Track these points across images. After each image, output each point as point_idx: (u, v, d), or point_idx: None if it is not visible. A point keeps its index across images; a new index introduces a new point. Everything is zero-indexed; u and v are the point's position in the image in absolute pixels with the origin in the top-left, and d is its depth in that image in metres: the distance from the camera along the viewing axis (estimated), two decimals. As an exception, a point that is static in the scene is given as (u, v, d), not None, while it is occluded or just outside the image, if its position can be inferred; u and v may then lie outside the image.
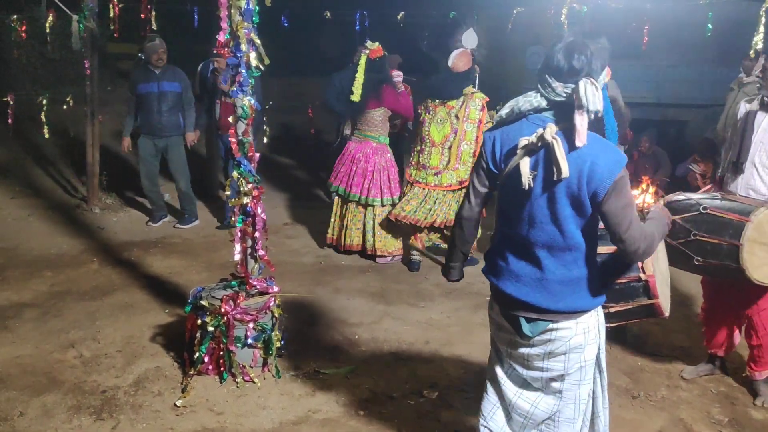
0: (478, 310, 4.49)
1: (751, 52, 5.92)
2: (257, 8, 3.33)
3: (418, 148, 5.22)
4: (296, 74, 10.97)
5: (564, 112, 1.92)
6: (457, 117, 5.05)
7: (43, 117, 6.64)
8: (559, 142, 1.87)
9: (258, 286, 3.56)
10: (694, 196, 3.17)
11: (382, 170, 5.45)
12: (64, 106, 6.70)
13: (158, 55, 6.02)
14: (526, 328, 2.06)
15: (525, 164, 1.91)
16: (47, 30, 6.62)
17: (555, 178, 1.87)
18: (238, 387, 3.36)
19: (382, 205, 5.42)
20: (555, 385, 2.14)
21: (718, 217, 3.00)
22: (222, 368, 3.42)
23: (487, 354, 3.80)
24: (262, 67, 3.39)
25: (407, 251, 5.40)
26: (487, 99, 5.16)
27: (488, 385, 2.30)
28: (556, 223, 1.96)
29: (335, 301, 4.60)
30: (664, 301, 2.41)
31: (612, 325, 2.42)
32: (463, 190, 4.98)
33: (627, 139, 7.43)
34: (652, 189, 3.90)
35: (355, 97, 5.35)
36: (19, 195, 7.12)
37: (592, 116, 1.86)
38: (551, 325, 2.04)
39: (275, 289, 3.59)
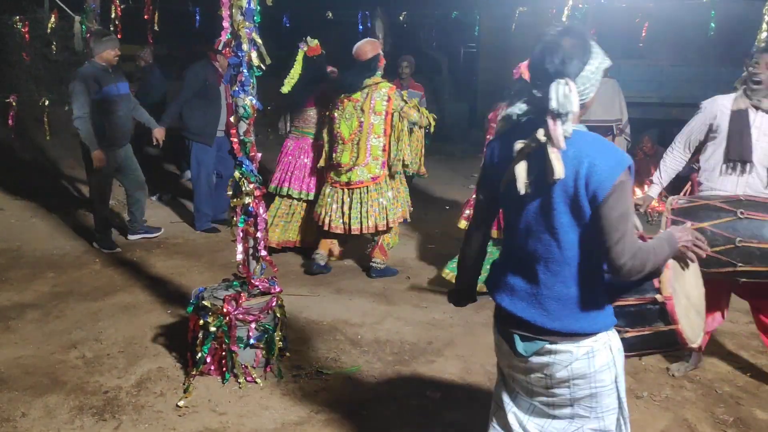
0: (481, 310, 4.47)
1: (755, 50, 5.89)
2: (258, 8, 3.33)
3: (333, 146, 5.01)
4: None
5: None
6: (362, 110, 4.82)
7: (45, 118, 6.63)
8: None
9: (260, 287, 3.56)
10: (710, 202, 3.09)
11: (312, 166, 5.42)
12: (66, 107, 6.69)
13: (116, 52, 5.38)
14: (519, 346, 1.91)
15: (521, 168, 1.78)
16: (49, 31, 6.62)
17: (549, 180, 1.73)
18: (240, 387, 3.35)
19: (300, 199, 5.45)
20: (565, 410, 1.96)
21: (758, 220, 2.91)
22: (224, 369, 3.41)
23: (489, 353, 3.80)
24: (263, 67, 3.39)
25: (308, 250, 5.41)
26: (394, 87, 4.94)
27: (492, 415, 2.13)
28: (552, 233, 1.81)
29: (337, 302, 4.59)
30: (689, 329, 2.10)
31: (631, 355, 2.15)
32: (380, 186, 4.90)
33: None
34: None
35: (285, 89, 5.24)
36: (22, 196, 7.13)
37: (565, 119, 1.71)
38: (548, 346, 1.87)
39: (277, 289, 3.59)
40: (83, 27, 6.27)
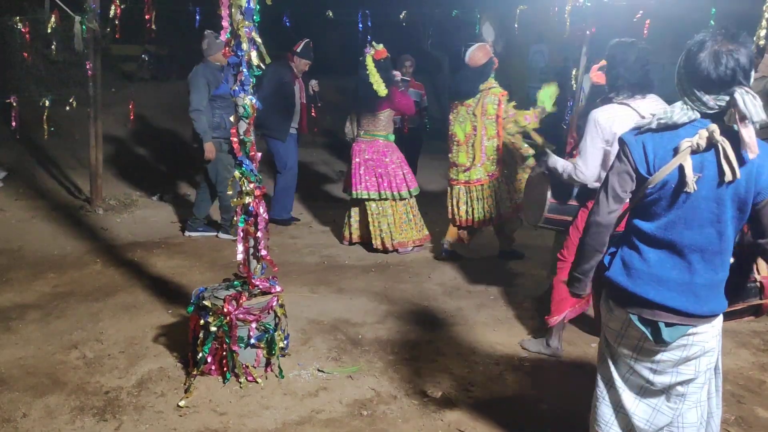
0: (482, 309, 4.47)
1: (753, 47, 5.88)
2: (258, 7, 3.32)
3: (450, 146, 5.36)
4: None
5: (718, 119, 1.91)
6: (474, 114, 5.12)
7: (44, 118, 6.63)
8: (727, 143, 1.86)
9: (261, 286, 3.55)
10: None
11: (396, 166, 5.58)
12: (67, 108, 6.70)
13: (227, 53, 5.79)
14: (665, 333, 2.02)
15: (689, 166, 1.90)
16: (49, 31, 6.61)
17: (726, 179, 1.87)
18: (241, 387, 3.35)
19: (401, 199, 5.58)
20: (680, 389, 2.13)
21: None
22: (225, 368, 3.41)
23: (491, 353, 3.80)
24: (263, 66, 3.39)
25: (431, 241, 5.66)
26: (505, 93, 5.17)
27: (604, 391, 2.25)
28: (717, 226, 1.95)
29: (338, 301, 4.59)
30: None
31: None
32: (494, 183, 5.21)
33: None
34: None
35: (383, 91, 5.41)
36: (23, 197, 7.13)
37: (758, 126, 1.86)
38: (691, 330, 2.03)
39: (278, 288, 3.59)
40: (83, 27, 6.27)
